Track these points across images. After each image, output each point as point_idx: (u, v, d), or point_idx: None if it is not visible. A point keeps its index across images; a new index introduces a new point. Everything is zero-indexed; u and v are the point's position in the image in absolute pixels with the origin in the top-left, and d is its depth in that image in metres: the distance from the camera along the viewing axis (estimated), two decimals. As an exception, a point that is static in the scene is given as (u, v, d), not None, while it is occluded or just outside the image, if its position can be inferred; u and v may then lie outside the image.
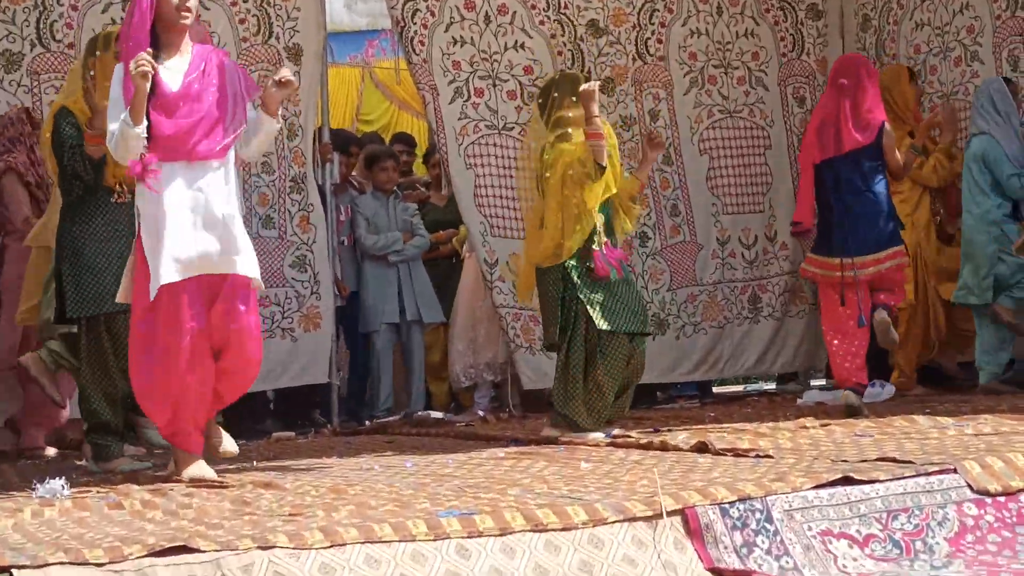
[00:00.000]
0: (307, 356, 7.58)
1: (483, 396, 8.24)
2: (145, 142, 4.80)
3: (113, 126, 4.85)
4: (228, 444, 5.10)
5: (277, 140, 7.49)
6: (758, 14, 8.59)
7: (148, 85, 4.77)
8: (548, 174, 5.93)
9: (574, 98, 5.93)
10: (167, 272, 4.78)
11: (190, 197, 4.86)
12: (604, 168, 5.83)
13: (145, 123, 4.80)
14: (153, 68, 4.78)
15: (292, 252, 7.58)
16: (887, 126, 6.52)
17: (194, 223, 4.85)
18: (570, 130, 5.96)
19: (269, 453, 6.21)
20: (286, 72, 4.96)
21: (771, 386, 9.92)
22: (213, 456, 5.05)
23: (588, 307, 5.86)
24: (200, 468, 4.91)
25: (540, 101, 6.13)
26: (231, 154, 5.00)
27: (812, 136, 6.59)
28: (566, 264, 5.90)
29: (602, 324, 5.84)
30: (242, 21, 7.46)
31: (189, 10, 4.96)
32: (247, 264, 4.91)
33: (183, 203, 4.85)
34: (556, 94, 6.04)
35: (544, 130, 6.05)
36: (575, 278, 5.90)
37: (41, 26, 6.97)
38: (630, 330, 5.93)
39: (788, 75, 8.69)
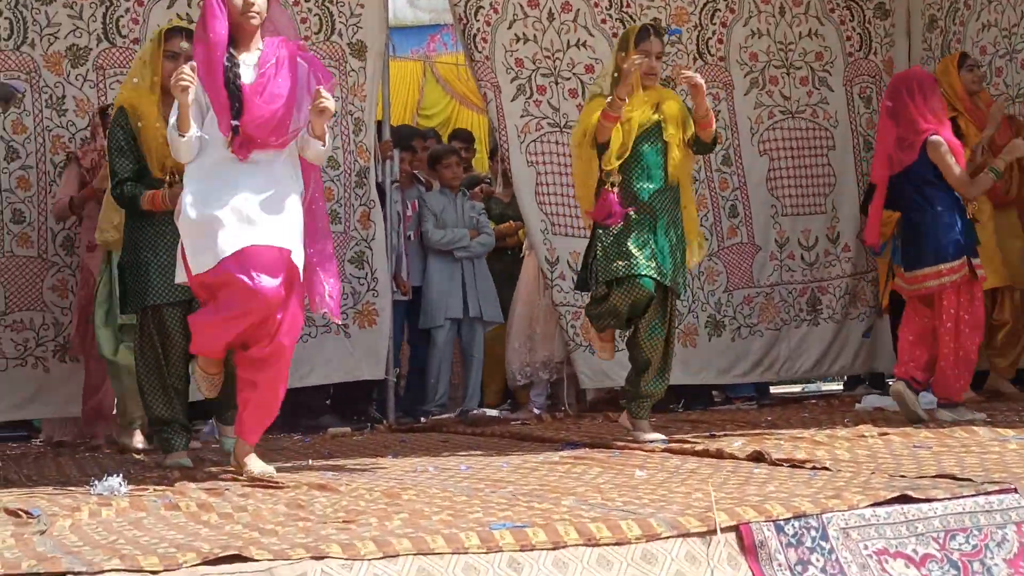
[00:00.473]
0: (361, 352, 7.61)
1: (539, 394, 8.24)
2: (195, 145, 4.95)
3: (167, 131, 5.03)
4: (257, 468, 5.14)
5: (343, 135, 7.53)
6: (823, 14, 8.52)
7: (189, 98, 4.89)
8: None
9: (621, 52, 5.93)
10: (226, 244, 4.87)
11: (248, 184, 4.96)
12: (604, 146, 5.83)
13: (194, 130, 4.94)
14: (192, 82, 4.89)
15: (352, 248, 7.62)
16: (932, 141, 6.33)
17: (250, 207, 4.93)
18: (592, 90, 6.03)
19: (324, 450, 6.24)
20: (326, 100, 4.98)
21: (834, 387, 9.86)
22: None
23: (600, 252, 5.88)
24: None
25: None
26: (294, 146, 5.08)
27: (877, 154, 6.56)
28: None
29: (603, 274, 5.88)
30: (304, 20, 7.49)
31: (254, 11, 5.03)
32: (296, 251, 4.98)
33: (241, 188, 4.95)
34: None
35: None
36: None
37: (108, 21, 7.04)
38: (614, 276, 5.86)
39: (854, 75, 8.61)
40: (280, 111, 4.98)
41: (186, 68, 4.90)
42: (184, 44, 5.41)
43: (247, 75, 5.02)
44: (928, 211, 6.35)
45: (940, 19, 8.48)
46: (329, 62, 7.49)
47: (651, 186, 5.88)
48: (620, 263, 5.84)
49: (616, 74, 5.92)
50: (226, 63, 4.97)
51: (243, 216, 4.91)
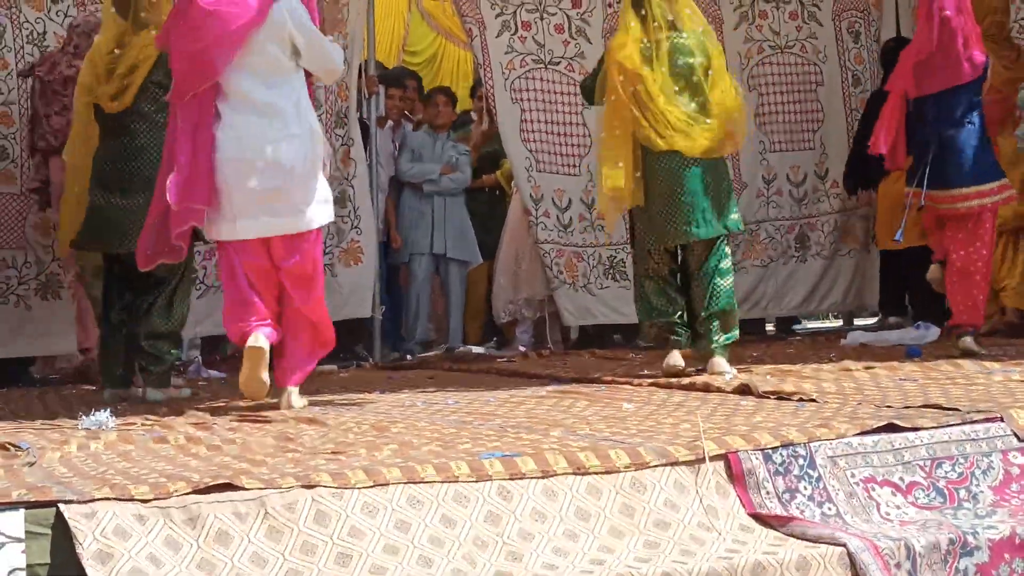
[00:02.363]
0: (348, 290, 7.58)
1: (524, 331, 8.25)
2: None
3: None
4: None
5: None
6: (813, -53, 8.47)
7: None
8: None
9: None
10: None
11: None
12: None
13: None
14: None
15: (335, 187, 7.52)
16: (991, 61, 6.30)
17: None
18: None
19: (312, 387, 6.23)
20: None
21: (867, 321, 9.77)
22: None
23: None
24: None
25: None
26: None
27: (912, 68, 6.22)
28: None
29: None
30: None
31: None
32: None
33: None
34: None
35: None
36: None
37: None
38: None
39: (843, 9, 8.57)
40: None
41: None
42: None
43: None
44: (973, 130, 6.19)
45: (931, -48, 8.40)
46: (312, -3, 7.40)
47: None
48: None
49: None
50: None
51: None
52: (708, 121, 5.72)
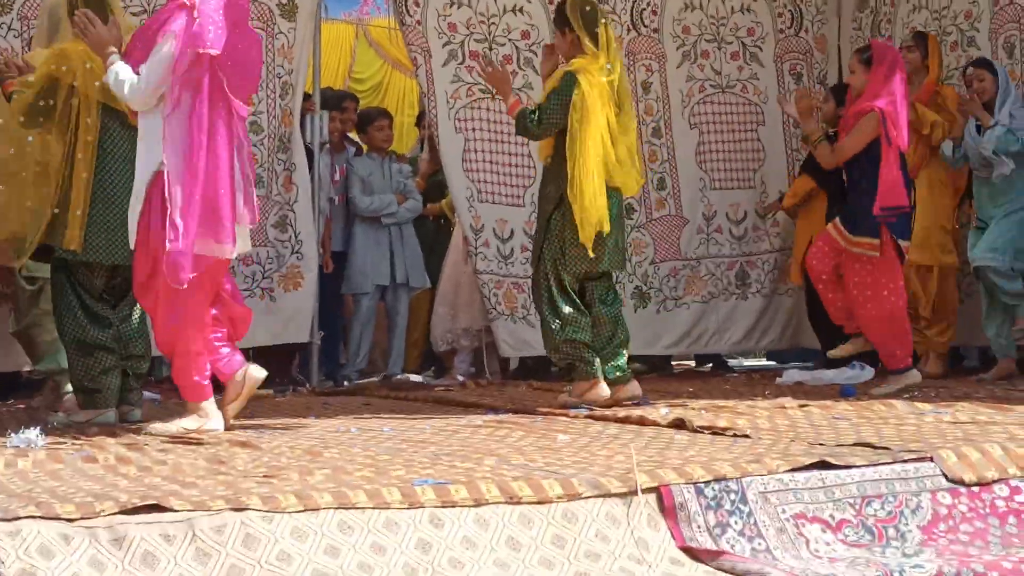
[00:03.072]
0: (287, 315, 7.53)
1: (463, 361, 8.23)
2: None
3: None
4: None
5: (268, 98, 7.43)
6: (756, -11, 8.56)
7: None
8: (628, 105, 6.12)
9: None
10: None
11: None
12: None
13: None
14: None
15: (275, 212, 7.52)
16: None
17: None
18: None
19: (246, 411, 6.18)
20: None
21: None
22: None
23: None
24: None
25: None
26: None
27: (902, 119, 6.43)
28: None
29: None
30: (235, -22, 7.37)
31: None
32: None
33: None
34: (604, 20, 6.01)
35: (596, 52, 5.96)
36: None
37: (32, -30, 6.90)
38: None
39: (785, 51, 8.67)
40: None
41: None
42: None
43: None
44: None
45: (871, -1, 8.55)
46: (256, 23, 7.38)
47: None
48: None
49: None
50: None
51: None
52: (635, 162, 5.87)
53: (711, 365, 8.95)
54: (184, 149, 4.93)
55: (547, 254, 5.94)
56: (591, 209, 5.78)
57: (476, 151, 7.87)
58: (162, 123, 4.97)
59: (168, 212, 4.92)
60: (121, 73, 5.03)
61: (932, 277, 7.56)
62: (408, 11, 7.74)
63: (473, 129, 7.88)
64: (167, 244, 4.90)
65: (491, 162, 7.84)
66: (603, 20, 5.95)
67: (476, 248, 7.85)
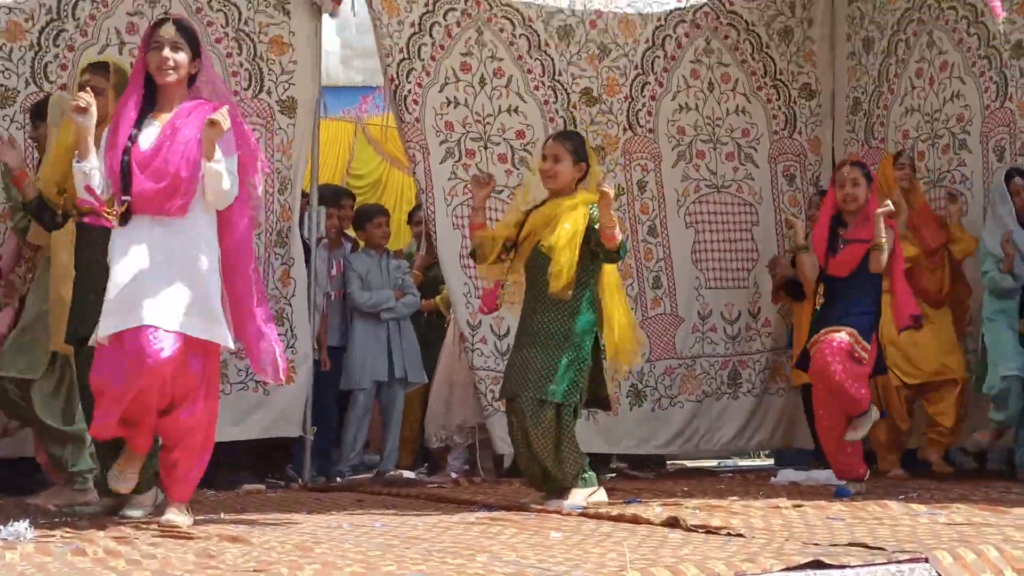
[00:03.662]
0: (279, 409, 7.50)
1: (456, 458, 8.20)
2: (92, 179, 4.97)
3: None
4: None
5: (267, 193, 7.48)
6: (750, 92, 8.66)
7: (88, 122, 4.93)
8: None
9: None
10: (104, 325, 4.91)
11: (147, 251, 4.95)
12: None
13: (93, 160, 4.97)
14: (87, 105, 4.92)
15: (272, 306, 7.52)
16: None
17: (144, 277, 4.92)
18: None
19: (237, 506, 6.16)
20: (218, 116, 4.94)
21: (748, 463, 9.91)
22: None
23: None
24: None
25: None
26: (197, 211, 5.06)
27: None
28: None
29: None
30: (234, 74, 7.45)
31: (168, 67, 5.06)
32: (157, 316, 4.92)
33: (139, 256, 4.95)
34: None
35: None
36: None
37: (36, 65, 6.98)
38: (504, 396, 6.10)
39: (779, 153, 8.75)
40: (169, 181, 4.97)
41: (83, 94, 4.95)
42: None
43: (148, 139, 5.05)
44: None
45: (864, 102, 8.65)
46: (256, 119, 7.47)
47: (538, 299, 6.01)
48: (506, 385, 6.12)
49: None
50: (131, 132, 5.02)
51: (132, 291, 4.91)
52: None
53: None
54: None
55: (581, 384, 5.95)
56: (628, 336, 6.07)
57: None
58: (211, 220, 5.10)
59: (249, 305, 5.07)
60: (229, 175, 5.07)
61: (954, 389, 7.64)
62: (407, 109, 7.82)
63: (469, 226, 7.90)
64: (264, 340, 5.11)
65: (488, 259, 7.86)
66: None
67: (472, 344, 7.85)
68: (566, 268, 5.81)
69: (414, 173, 8.00)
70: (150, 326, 4.87)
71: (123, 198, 4.95)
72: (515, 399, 5.95)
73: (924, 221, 7.70)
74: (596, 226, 5.86)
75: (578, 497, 5.90)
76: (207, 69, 5.25)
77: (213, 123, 4.91)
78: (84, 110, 4.92)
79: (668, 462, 9.35)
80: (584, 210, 5.93)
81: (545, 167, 6.05)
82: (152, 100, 5.13)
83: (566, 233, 5.85)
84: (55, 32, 7.01)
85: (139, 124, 5.07)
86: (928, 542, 4.28)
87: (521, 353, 5.99)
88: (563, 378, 5.86)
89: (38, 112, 6.38)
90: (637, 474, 8.18)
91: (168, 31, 5.10)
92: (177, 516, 5.07)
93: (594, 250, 5.90)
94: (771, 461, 9.89)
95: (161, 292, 4.92)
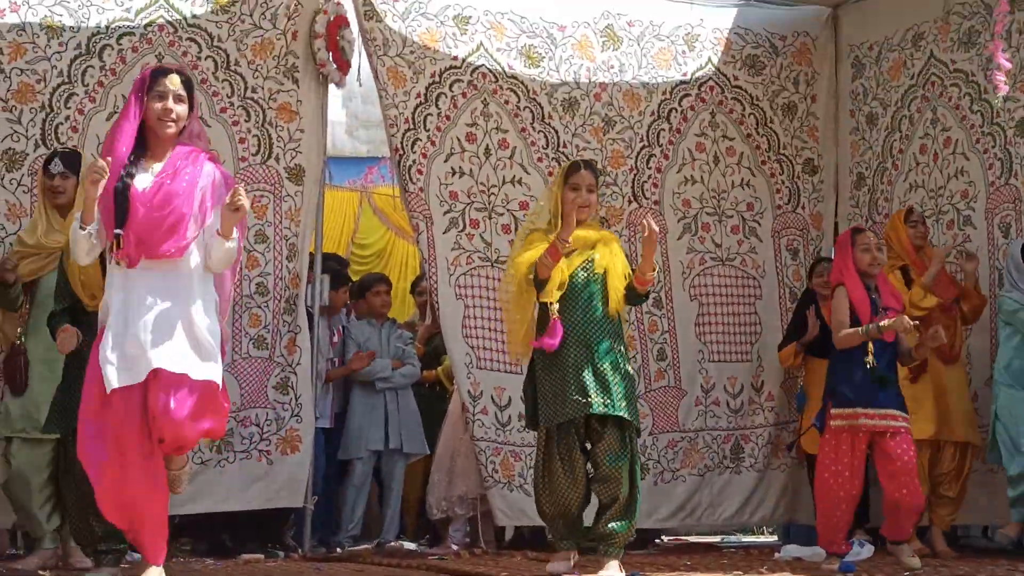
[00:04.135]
0: (282, 478, 7.44)
1: (458, 530, 8.12)
2: (93, 241, 4.94)
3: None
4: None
5: (275, 260, 7.49)
6: (755, 165, 8.70)
7: (97, 191, 4.88)
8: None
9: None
10: (110, 377, 4.84)
11: (143, 296, 4.92)
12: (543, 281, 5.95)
13: (95, 224, 4.92)
14: (104, 175, 4.86)
15: (277, 374, 7.51)
16: (837, 289, 6.77)
17: (142, 323, 4.87)
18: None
19: (236, 575, 6.10)
20: (241, 197, 4.96)
21: (751, 539, 9.83)
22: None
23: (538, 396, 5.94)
24: None
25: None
26: (195, 257, 5.04)
27: None
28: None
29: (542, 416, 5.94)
30: (242, 140, 7.49)
31: (170, 119, 5.07)
32: (185, 364, 4.90)
33: (136, 301, 4.91)
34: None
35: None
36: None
37: (47, 128, 7.00)
38: (559, 420, 5.89)
39: (783, 227, 8.77)
40: (170, 217, 4.93)
41: (100, 161, 4.90)
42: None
43: (144, 183, 5.00)
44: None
45: (868, 177, 8.68)
46: (264, 186, 7.50)
47: (587, 317, 5.92)
48: (562, 408, 5.88)
49: (552, 211, 6.02)
50: (122, 171, 4.95)
51: (135, 345, 4.87)
52: None
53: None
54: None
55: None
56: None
57: (475, 317, 7.89)
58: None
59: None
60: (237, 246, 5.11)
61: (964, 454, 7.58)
62: (411, 179, 7.85)
63: (473, 296, 7.91)
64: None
65: (490, 328, 7.86)
66: None
67: (474, 415, 7.81)
68: (619, 295, 5.99)
69: (417, 242, 8.01)
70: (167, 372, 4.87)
71: (116, 231, 4.91)
72: (571, 421, 5.89)
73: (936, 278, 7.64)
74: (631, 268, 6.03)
75: (612, 570, 5.82)
76: (196, 119, 5.27)
77: (238, 208, 4.95)
78: (98, 182, 4.89)
79: (670, 537, 9.29)
80: (621, 252, 6.10)
81: (585, 198, 6.05)
82: (142, 146, 5.10)
83: (623, 265, 6.03)
84: (66, 95, 7.04)
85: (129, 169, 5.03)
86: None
87: (577, 372, 5.91)
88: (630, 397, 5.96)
89: (69, 161, 6.38)
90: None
91: (174, 82, 5.10)
92: None
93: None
94: (774, 538, 9.81)
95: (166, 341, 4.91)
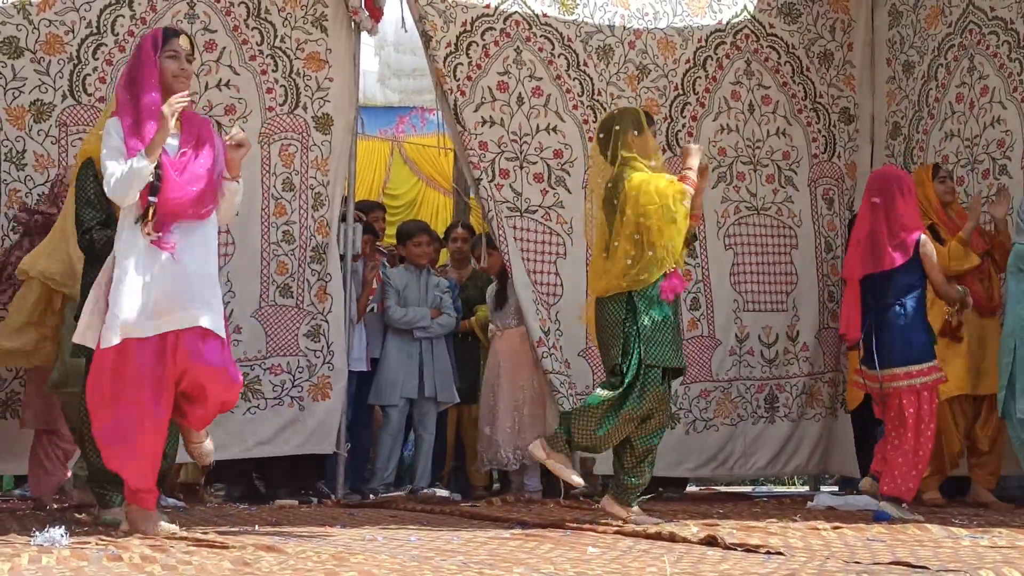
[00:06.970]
0: (314, 425, 7.49)
1: (532, 478, 8.01)
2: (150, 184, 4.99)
3: (116, 168, 5.00)
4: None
5: (301, 209, 7.49)
6: (791, 114, 8.62)
7: (169, 123, 5.00)
8: (626, 207, 5.94)
9: (635, 131, 6.06)
10: (128, 328, 4.91)
11: (169, 255, 5.00)
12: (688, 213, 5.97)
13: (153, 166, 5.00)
14: (185, 104, 5.04)
15: (308, 322, 7.52)
16: (924, 240, 6.54)
17: (165, 279, 4.96)
18: (634, 163, 6.05)
19: (271, 519, 6.14)
20: (237, 132, 5.14)
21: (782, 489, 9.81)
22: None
23: (639, 338, 5.88)
24: (159, 524, 5.05)
25: (601, 136, 6.17)
26: (214, 216, 5.19)
27: (854, 250, 6.65)
28: (632, 292, 5.91)
29: (648, 357, 5.87)
30: (269, 91, 7.48)
31: (184, 76, 5.19)
32: (211, 319, 5.00)
33: (157, 260, 4.98)
34: (618, 127, 6.09)
35: (606, 165, 6.11)
36: (638, 305, 5.90)
37: (74, 79, 7.00)
38: (670, 365, 5.96)
39: (818, 176, 8.70)
40: (205, 187, 5.08)
41: (184, 92, 5.04)
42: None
43: (171, 149, 5.10)
44: (902, 312, 6.48)
45: (904, 126, 8.60)
46: (291, 135, 7.50)
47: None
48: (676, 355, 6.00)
49: (636, 131, 6.09)
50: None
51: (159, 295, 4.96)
52: None
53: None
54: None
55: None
56: None
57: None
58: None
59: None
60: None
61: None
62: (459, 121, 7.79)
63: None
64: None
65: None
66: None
67: (549, 348, 7.72)
68: None
69: (478, 191, 7.94)
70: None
71: (150, 198, 4.99)
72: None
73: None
74: None
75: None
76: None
77: (241, 144, 5.13)
78: (176, 114, 5.02)
79: (703, 487, 9.29)
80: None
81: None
82: None
83: None
84: (94, 46, 7.04)
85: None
86: (972, 563, 4.21)
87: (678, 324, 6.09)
88: None
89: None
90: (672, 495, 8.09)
91: (185, 44, 5.24)
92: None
93: None
94: (805, 488, 9.80)
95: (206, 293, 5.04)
